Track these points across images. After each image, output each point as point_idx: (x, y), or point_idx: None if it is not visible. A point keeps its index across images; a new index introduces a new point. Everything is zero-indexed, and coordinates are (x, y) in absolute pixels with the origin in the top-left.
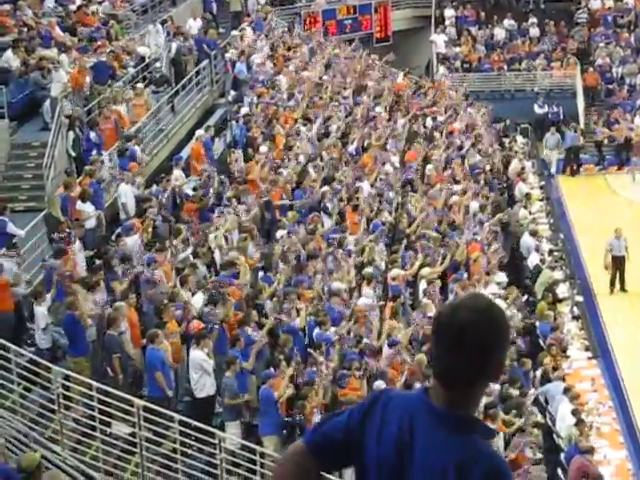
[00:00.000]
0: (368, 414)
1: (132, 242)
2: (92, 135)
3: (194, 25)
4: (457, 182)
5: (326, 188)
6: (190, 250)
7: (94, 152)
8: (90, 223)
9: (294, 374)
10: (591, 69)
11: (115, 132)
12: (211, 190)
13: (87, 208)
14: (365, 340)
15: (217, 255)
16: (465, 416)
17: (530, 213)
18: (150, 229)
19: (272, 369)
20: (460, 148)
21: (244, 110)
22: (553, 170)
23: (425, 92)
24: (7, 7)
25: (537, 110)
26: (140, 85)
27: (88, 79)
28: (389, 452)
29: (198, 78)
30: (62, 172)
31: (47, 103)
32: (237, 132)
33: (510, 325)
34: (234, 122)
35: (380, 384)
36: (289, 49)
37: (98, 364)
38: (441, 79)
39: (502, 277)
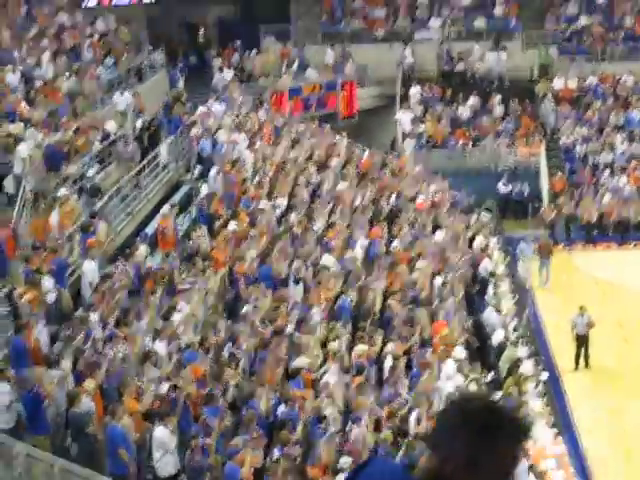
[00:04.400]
0: None
1: (94, 317)
2: None
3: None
4: (422, 258)
5: (297, 263)
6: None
7: None
8: (51, 298)
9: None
10: (560, 173)
11: (14, 240)
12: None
13: (46, 282)
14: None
15: (181, 331)
16: None
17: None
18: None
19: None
20: (425, 225)
21: (204, 189)
22: (528, 284)
23: (390, 169)
24: None
25: (501, 188)
26: (65, 192)
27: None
28: None
29: (164, 154)
30: (27, 247)
31: (10, 178)
32: (201, 208)
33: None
34: (199, 198)
35: (347, 460)
36: (255, 126)
37: (59, 442)
38: (406, 156)
39: (461, 352)
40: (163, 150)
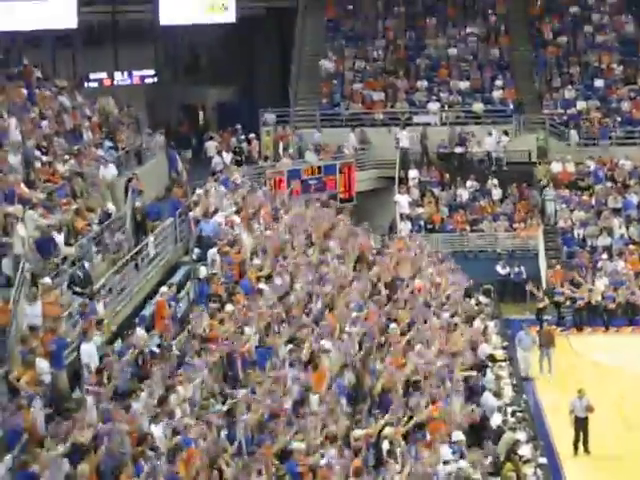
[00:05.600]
0: None
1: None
2: None
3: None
4: (420, 342)
5: (295, 346)
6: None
7: None
8: (47, 378)
9: None
10: (558, 266)
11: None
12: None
13: (41, 364)
14: None
15: (178, 413)
16: None
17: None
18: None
19: None
20: (425, 307)
21: (203, 270)
22: (530, 374)
23: (389, 251)
24: None
25: (500, 271)
26: (47, 280)
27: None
28: None
29: (162, 236)
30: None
31: (9, 259)
32: (200, 290)
33: None
34: (197, 279)
35: None
36: (254, 207)
37: None
38: (405, 238)
39: (459, 436)
40: (151, 242)
